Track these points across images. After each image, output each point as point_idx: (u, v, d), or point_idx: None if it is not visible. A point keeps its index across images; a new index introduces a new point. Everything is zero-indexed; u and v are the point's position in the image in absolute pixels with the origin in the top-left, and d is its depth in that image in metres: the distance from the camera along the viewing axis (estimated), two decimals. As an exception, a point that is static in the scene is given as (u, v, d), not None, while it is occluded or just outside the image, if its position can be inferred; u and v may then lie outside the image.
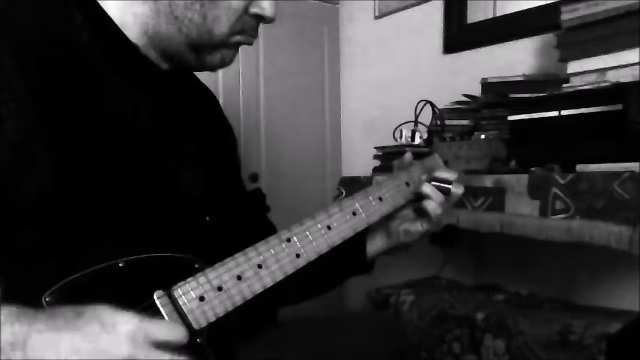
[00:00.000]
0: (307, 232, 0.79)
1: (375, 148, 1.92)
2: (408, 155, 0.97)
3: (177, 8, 0.73)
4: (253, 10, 0.76)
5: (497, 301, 1.77)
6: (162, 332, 0.58)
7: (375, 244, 0.99)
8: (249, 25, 0.78)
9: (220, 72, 2.33)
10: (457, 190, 0.93)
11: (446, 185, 0.92)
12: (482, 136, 1.00)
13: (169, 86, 0.81)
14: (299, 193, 2.48)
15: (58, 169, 0.64)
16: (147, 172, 0.75)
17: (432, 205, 0.91)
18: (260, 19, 0.78)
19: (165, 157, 0.79)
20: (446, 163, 0.98)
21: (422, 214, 0.94)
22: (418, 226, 0.94)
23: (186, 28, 0.74)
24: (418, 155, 0.99)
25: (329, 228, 0.81)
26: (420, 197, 0.93)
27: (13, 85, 0.63)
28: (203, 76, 0.93)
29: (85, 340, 0.54)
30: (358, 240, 0.98)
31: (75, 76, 0.69)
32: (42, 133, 0.64)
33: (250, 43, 0.81)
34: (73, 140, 0.67)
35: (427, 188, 0.92)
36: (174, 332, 0.60)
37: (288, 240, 0.77)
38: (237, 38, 0.78)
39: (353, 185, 1.71)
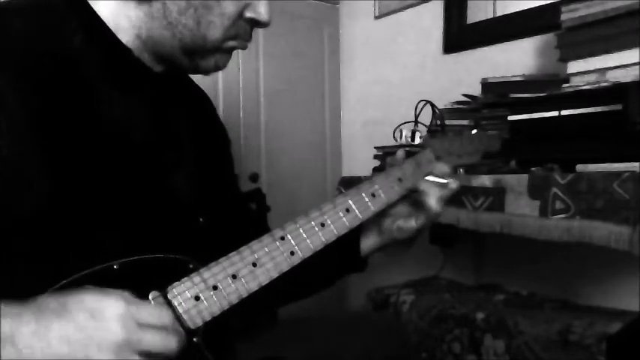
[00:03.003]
0: (301, 230, 0.79)
1: (375, 148, 1.92)
2: (400, 153, 0.97)
3: (170, 13, 0.73)
4: (248, 14, 0.76)
5: (497, 301, 1.77)
6: (151, 315, 0.59)
7: (369, 242, 0.99)
8: (243, 30, 0.78)
9: (220, 72, 2.32)
10: (453, 184, 0.93)
11: (442, 180, 0.92)
12: (474, 131, 1.00)
13: (163, 88, 0.81)
14: (299, 193, 2.48)
15: (52, 177, 0.64)
16: (140, 175, 0.75)
17: (431, 201, 0.91)
18: (255, 23, 0.78)
19: (159, 159, 0.78)
20: (438, 158, 0.98)
21: (418, 208, 0.94)
22: (412, 222, 0.93)
23: (180, 33, 0.74)
24: (413, 154, 0.99)
25: (322, 225, 0.81)
26: (415, 192, 0.93)
27: (4, 100, 0.63)
28: (202, 76, 0.92)
29: (75, 329, 0.55)
30: (352, 238, 0.98)
31: (68, 81, 0.69)
32: (35, 145, 0.64)
33: (244, 48, 0.81)
34: (66, 147, 0.67)
35: (424, 184, 0.92)
36: (163, 315, 0.61)
37: (282, 238, 0.77)
38: (232, 43, 0.78)
39: (353, 185, 1.69)
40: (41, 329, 0.54)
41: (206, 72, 0.81)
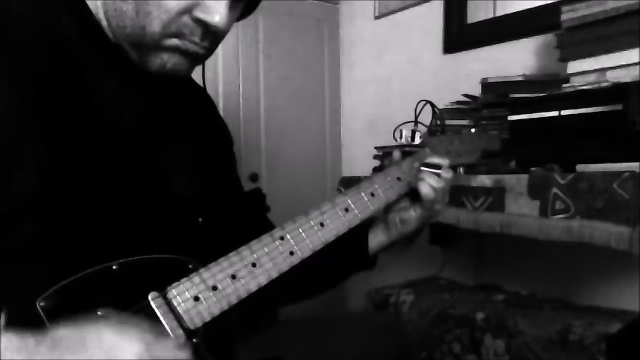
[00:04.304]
0: (300, 230, 0.79)
1: (375, 148, 1.92)
2: (397, 153, 0.99)
3: (116, 1, 0.70)
4: (197, 14, 0.70)
5: (497, 301, 1.77)
6: (167, 355, 0.57)
7: (377, 239, 1.00)
8: (189, 30, 0.71)
9: (220, 72, 2.33)
10: (446, 174, 0.94)
11: (436, 170, 0.93)
12: (473, 130, 1.00)
13: (161, 86, 0.80)
14: (299, 193, 2.49)
15: (46, 171, 0.64)
16: (138, 173, 0.74)
17: (425, 190, 0.92)
18: (204, 26, 0.71)
19: (158, 158, 0.78)
20: None
21: (415, 199, 0.95)
22: (412, 212, 0.95)
23: (122, 22, 0.71)
24: (411, 153, 1.00)
25: (322, 225, 0.81)
26: (413, 187, 0.94)
27: (2, 95, 0.62)
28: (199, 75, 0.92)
29: None
30: (360, 235, 0.99)
31: (64, 77, 0.69)
32: (30, 135, 0.63)
33: (196, 52, 0.74)
34: (62, 143, 0.66)
35: (419, 175, 0.93)
36: (179, 354, 0.58)
37: (282, 238, 0.77)
38: (174, 42, 0.72)
39: (353, 185, 1.69)
40: None
41: (155, 71, 0.75)
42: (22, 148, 0.63)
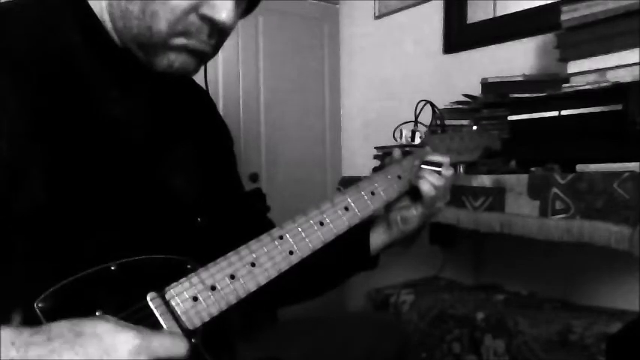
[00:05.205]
0: (300, 229, 0.78)
1: (375, 148, 1.92)
2: (397, 151, 0.99)
3: (121, 1, 0.71)
4: (203, 11, 0.70)
5: (497, 301, 1.77)
6: (164, 348, 0.57)
7: (379, 239, 1.00)
8: (195, 28, 0.71)
9: (220, 72, 2.33)
10: (447, 171, 0.94)
11: (436, 168, 0.94)
12: (474, 128, 1.00)
13: (162, 86, 0.80)
14: (299, 193, 2.49)
15: (49, 178, 0.64)
16: (139, 174, 0.74)
17: (425, 187, 0.92)
18: (211, 23, 0.71)
19: (158, 159, 0.78)
20: None
21: (416, 198, 0.95)
22: (413, 211, 0.95)
23: (129, 22, 0.71)
24: (412, 153, 1.00)
25: (321, 224, 0.81)
26: (414, 186, 0.94)
27: (6, 103, 0.63)
28: (201, 76, 0.92)
29: None
30: (361, 235, 0.99)
31: (68, 81, 0.69)
32: (35, 146, 0.64)
33: (204, 50, 0.74)
34: (65, 148, 0.66)
35: (419, 172, 0.93)
36: (176, 346, 0.58)
37: (281, 237, 0.76)
38: (181, 41, 0.71)
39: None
40: (54, 357, 0.52)
41: (163, 72, 0.75)
42: (28, 159, 0.63)
